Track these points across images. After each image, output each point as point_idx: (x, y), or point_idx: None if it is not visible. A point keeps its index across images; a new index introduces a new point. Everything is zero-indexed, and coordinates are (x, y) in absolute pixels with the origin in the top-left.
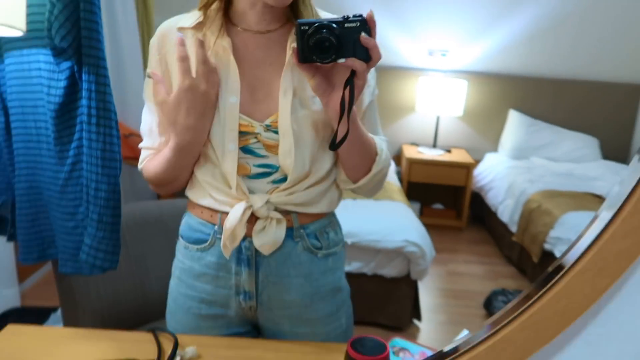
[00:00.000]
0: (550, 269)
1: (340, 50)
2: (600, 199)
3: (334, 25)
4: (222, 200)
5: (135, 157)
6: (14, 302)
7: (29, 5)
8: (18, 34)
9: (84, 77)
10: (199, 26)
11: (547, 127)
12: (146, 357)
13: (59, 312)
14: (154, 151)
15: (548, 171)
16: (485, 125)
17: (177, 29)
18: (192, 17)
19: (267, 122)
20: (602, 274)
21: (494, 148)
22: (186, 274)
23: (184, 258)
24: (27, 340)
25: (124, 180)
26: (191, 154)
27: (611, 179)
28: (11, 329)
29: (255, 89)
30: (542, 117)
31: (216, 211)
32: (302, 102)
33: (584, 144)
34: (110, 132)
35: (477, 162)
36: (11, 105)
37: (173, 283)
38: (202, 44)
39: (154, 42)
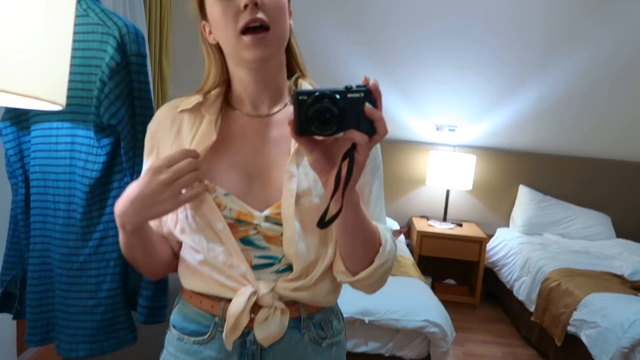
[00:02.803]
0: None
1: (342, 123)
2: (620, 279)
3: (336, 96)
4: (225, 284)
5: None
6: None
7: (70, 81)
8: (57, 108)
9: (138, 152)
10: (197, 106)
11: (558, 203)
12: None
13: None
14: None
15: (563, 248)
16: (495, 200)
17: (179, 112)
18: (190, 100)
19: (266, 212)
20: None
21: (505, 223)
22: None
23: (176, 351)
24: None
25: None
26: (137, 236)
27: (630, 259)
28: None
29: (252, 179)
30: (552, 193)
31: (218, 299)
32: (306, 189)
33: (596, 221)
34: None
35: (489, 236)
36: (33, 178)
37: None
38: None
39: (151, 126)
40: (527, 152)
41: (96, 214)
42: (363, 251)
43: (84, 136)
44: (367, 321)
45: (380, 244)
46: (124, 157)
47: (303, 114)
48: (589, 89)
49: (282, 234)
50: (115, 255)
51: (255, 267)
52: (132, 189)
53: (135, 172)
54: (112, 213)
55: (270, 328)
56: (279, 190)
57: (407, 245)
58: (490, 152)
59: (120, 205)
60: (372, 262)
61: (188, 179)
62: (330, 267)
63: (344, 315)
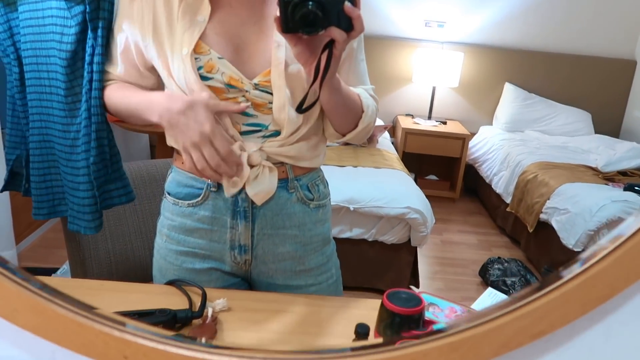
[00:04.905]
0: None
1: (324, 22)
2: (594, 170)
3: None
4: None
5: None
6: (12, 263)
7: None
8: None
9: (100, 23)
10: None
11: (542, 100)
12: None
13: (58, 272)
14: (115, 80)
15: (543, 144)
16: (481, 98)
17: None
18: None
19: (256, 80)
20: None
21: (489, 121)
22: (177, 230)
23: (172, 215)
24: None
25: (118, 143)
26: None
27: (605, 152)
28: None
29: (240, 49)
30: (537, 91)
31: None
32: (292, 57)
33: (577, 118)
34: None
35: (472, 134)
36: (25, 55)
37: (160, 241)
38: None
39: None
40: (514, 49)
41: (79, 90)
42: (347, 120)
43: (58, 7)
44: (352, 208)
45: (362, 111)
46: (89, 25)
47: (290, 15)
48: None
49: (270, 102)
50: (102, 133)
51: (242, 134)
52: (177, 112)
53: (98, 44)
54: (91, 89)
55: (261, 185)
56: (267, 60)
57: (392, 143)
58: (478, 49)
59: (165, 106)
60: (356, 126)
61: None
62: (312, 128)
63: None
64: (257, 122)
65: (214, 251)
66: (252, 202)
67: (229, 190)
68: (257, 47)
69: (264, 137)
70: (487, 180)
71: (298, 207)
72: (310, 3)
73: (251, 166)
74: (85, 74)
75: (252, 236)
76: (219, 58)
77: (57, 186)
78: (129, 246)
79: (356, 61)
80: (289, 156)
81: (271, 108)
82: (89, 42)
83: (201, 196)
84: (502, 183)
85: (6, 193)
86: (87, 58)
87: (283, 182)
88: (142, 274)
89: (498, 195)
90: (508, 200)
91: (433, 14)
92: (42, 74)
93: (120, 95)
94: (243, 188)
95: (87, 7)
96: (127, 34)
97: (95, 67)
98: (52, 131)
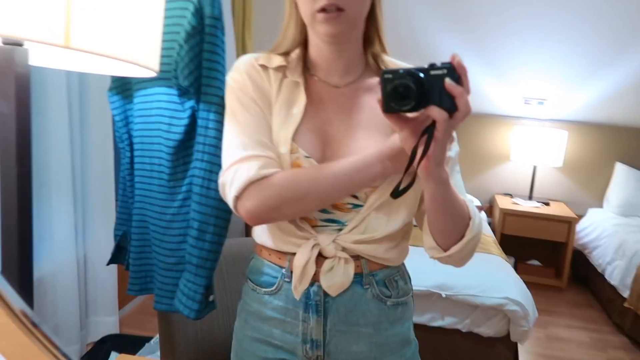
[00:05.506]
0: None
1: (422, 99)
2: None
3: (420, 74)
4: (289, 240)
5: None
6: (114, 329)
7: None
8: (152, 74)
9: (202, 114)
10: (280, 69)
11: None
12: None
13: (152, 341)
14: (272, 160)
15: None
16: (588, 178)
17: (260, 65)
18: (273, 60)
19: None
20: None
21: (597, 203)
22: (253, 317)
23: (251, 301)
24: None
25: None
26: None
27: None
28: (123, 358)
29: (325, 146)
30: None
31: (284, 253)
32: None
33: None
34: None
35: (579, 217)
36: (135, 142)
37: (239, 325)
38: None
39: (246, 74)
40: (626, 126)
41: (180, 176)
42: (453, 227)
43: (168, 101)
44: (444, 295)
45: (469, 218)
46: (198, 122)
47: (386, 91)
48: None
49: (348, 203)
50: (198, 217)
51: (318, 227)
52: (396, 153)
53: (209, 136)
54: (192, 176)
55: (335, 277)
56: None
57: (489, 223)
58: (583, 127)
59: (391, 151)
60: (462, 236)
61: None
62: (393, 233)
63: (421, 288)
64: (334, 218)
65: (287, 342)
66: (325, 296)
67: (297, 289)
68: (341, 145)
69: (339, 230)
70: (600, 270)
71: (373, 304)
72: (407, 77)
73: (325, 258)
74: (196, 161)
75: (324, 331)
76: (306, 157)
77: (149, 264)
78: (215, 323)
79: (452, 170)
80: (364, 253)
81: (350, 208)
82: (199, 131)
83: (276, 285)
84: (617, 274)
85: (114, 265)
86: (197, 147)
87: (357, 277)
88: (226, 351)
89: (613, 288)
90: (625, 294)
91: (533, 90)
92: (145, 159)
93: (315, 170)
94: (317, 280)
95: (197, 104)
96: (257, 117)
97: (204, 157)
98: (149, 212)
